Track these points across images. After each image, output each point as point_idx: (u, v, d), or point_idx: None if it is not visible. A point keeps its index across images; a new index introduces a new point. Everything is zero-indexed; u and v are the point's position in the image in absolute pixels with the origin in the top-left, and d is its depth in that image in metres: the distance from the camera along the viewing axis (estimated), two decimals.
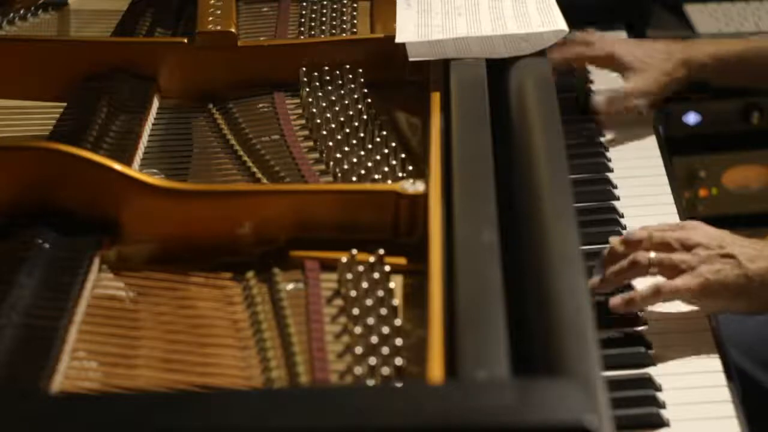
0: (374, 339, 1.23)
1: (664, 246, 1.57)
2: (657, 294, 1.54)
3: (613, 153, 1.98)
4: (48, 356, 1.21)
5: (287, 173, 1.53)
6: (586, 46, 2.05)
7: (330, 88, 1.69)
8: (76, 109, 1.67)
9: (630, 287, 1.60)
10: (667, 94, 2.03)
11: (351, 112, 1.61)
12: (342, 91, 1.67)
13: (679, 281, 1.54)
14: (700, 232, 1.59)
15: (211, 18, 1.76)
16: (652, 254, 1.56)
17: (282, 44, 1.80)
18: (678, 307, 1.58)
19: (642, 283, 1.58)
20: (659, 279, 1.57)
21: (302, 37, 1.83)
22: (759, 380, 1.73)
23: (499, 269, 1.23)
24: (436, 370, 1.13)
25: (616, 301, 1.55)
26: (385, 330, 1.23)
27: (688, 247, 1.57)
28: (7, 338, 1.23)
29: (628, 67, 2.01)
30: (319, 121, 1.60)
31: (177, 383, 1.23)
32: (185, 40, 1.75)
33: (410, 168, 1.51)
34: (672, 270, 1.55)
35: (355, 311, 1.27)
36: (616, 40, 2.12)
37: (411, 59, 1.66)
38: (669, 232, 1.59)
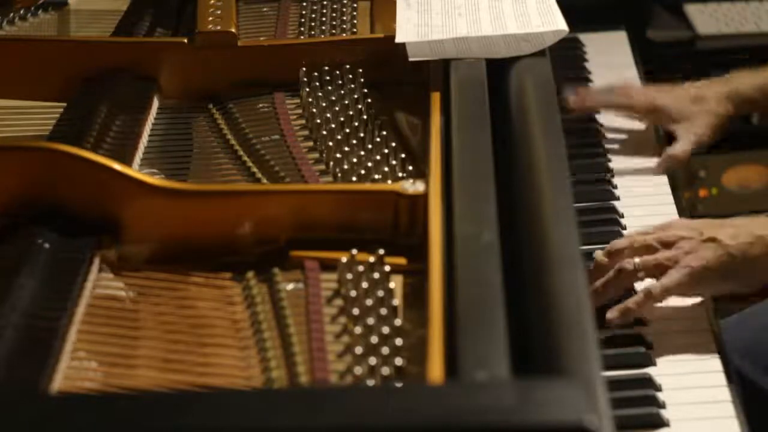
0: (374, 339, 1.23)
1: (647, 249, 1.58)
2: (649, 297, 1.54)
3: (613, 153, 1.98)
4: (48, 356, 1.21)
5: (287, 173, 1.53)
6: (626, 96, 1.99)
7: (330, 88, 1.68)
8: (76, 109, 1.67)
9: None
10: (720, 135, 1.98)
11: (351, 112, 1.61)
12: (342, 91, 1.67)
13: (666, 279, 1.54)
14: (679, 225, 1.60)
15: (211, 18, 1.76)
16: (636, 259, 1.57)
17: (282, 44, 1.80)
18: (678, 306, 1.59)
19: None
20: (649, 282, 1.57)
21: (302, 37, 1.83)
22: (759, 383, 1.72)
23: (499, 269, 1.23)
24: (436, 370, 1.13)
25: (612, 314, 1.54)
26: (385, 330, 1.23)
27: (669, 244, 1.57)
28: (7, 338, 1.22)
29: (675, 117, 1.96)
30: (319, 121, 1.60)
31: (177, 383, 1.22)
32: (185, 40, 1.75)
33: (410, 168, 1.51)
34: (659, 269, 1.56)
35: (355, 311, 1.27)
36: (653, 90, 2.04)
37: (411, 59, 1.66)
38: (649, 235, 1.59)
